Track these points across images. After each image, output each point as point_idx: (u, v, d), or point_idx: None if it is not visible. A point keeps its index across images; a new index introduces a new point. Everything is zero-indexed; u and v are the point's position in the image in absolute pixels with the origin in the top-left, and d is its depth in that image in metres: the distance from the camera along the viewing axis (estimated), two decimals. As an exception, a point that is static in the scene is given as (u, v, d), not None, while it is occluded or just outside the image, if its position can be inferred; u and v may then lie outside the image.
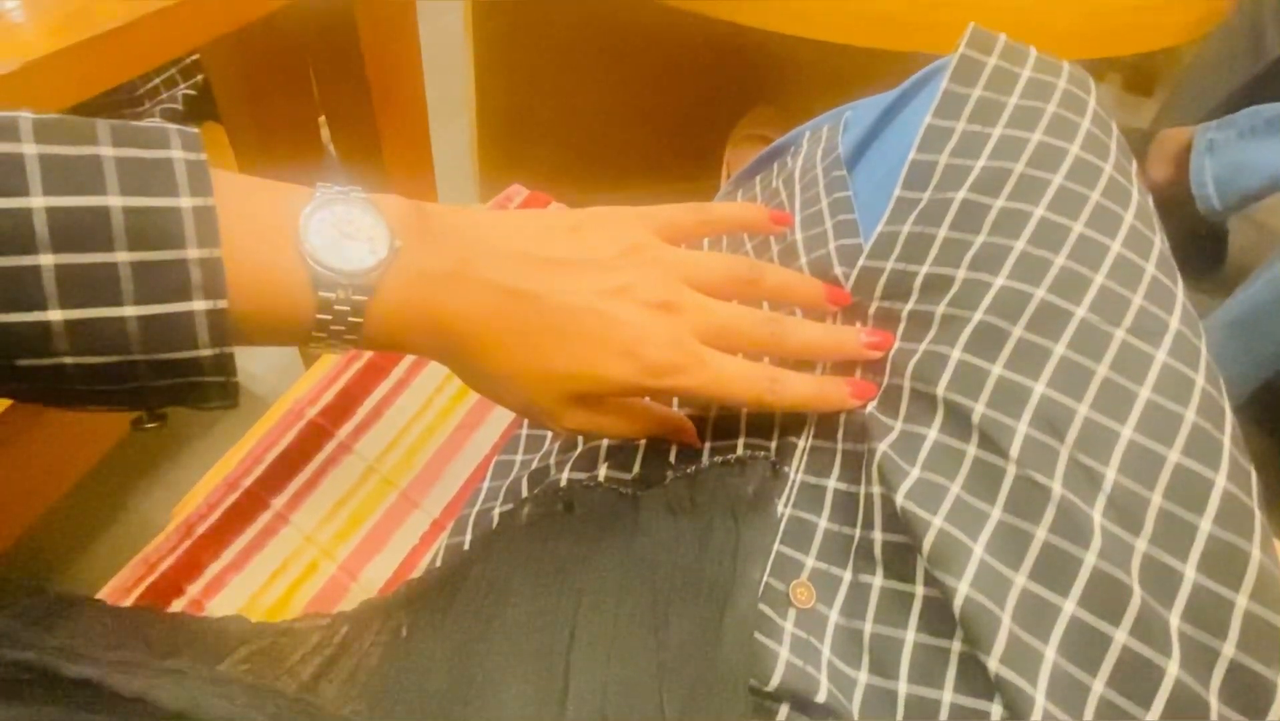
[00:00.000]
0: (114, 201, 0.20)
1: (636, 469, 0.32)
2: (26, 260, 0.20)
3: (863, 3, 0.69)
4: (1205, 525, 0.24)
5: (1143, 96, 1.48)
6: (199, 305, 0.21)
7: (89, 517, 0.75)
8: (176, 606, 0.40)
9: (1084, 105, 0.32)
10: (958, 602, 0.24)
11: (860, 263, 0.32)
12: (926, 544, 0.25)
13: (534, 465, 0.38)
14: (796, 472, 0.30)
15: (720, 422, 0.32)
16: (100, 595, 0.40)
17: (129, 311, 0.21)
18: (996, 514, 0.26)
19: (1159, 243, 0.30)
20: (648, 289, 0.28)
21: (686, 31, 0.76)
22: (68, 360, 0.21)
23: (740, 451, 0.31)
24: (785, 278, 0.32)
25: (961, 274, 0.29)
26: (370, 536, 0.43)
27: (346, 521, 0.43)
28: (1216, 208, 0.88)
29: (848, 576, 0.28)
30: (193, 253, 0.21)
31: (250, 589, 0.40)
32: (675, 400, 0.34)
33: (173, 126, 0.23)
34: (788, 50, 0.73)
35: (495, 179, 1.23)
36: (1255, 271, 0.84)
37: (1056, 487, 0.25)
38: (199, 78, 0.67)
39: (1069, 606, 0.24)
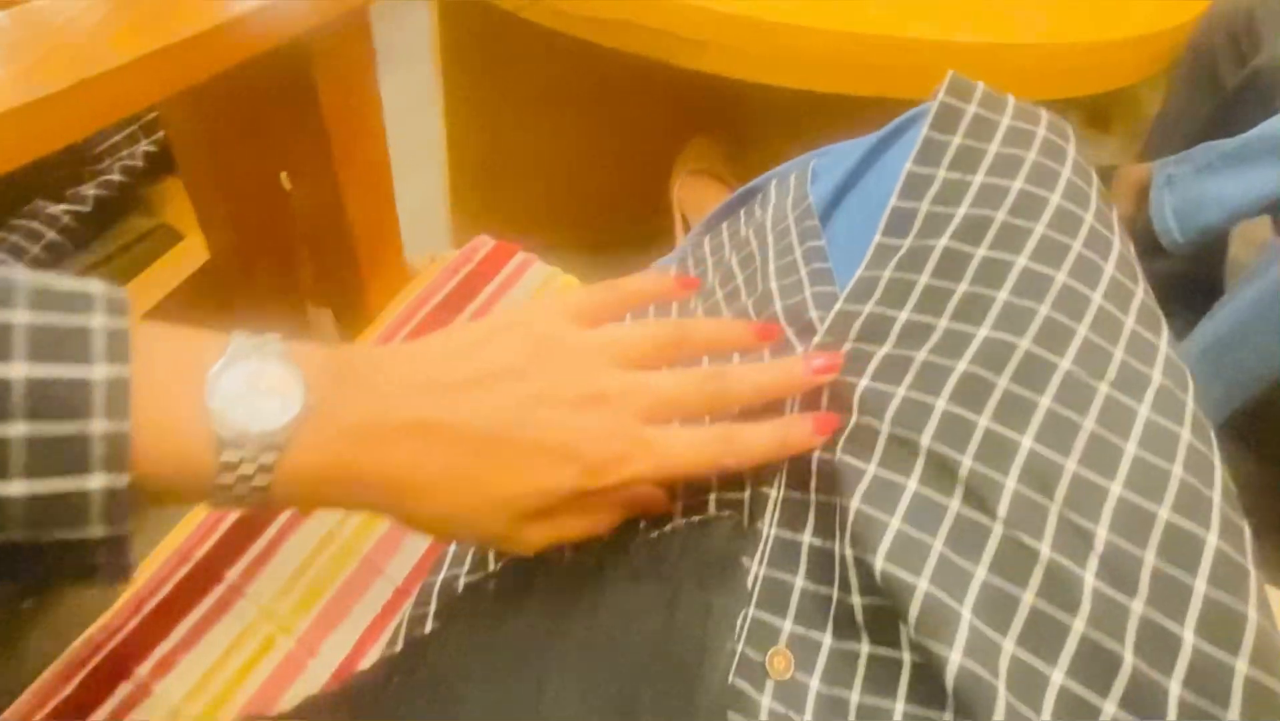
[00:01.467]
0: (16, 371, 0.19)
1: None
2: None
3: (813, 49, 0.70)
4: (1200, 585, 0.23)
5: (1102, 133, 1.52)
6: (96, 482, 0.20)
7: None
8: (123, 690, 0.37)
9: (1064, 153, 0.32)
10: (950, 672, 0.22)
11: (837, 306, 0.31)
12: (912, 609, 0.24)
13: None
14: (770, 526, 0.29)
15: (689, 480, 0.31)
16: (38, 682, 0.37)
17: (15, 488, 0.19)
18: (982, 574, 0.25)
19: (1140, 293, 0.29)
20: (570, 385, 0.26)
21: (651, 74, 0.77)
22: None
23: (711, 510, 0.30)
24: (712, 329, 0.31)
25: (944, 322, 0.29)
26: (330, 607, 0.41)
27: (305, 592, 0.41)
28: (1178, 241, 0.89)
29: (828, 641, 0.26)
30: (97, 426, 0.20)
31: (201, 668, 0.38)
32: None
33: (100, 290, 0.21)
34: (747, 88, 0.74)
35: (468, 227, 1.22)
36: (1219, 302, 0.85)
37: (1045, 550, 0.24)
38: (161, 134, 0.66)
39: (1057, 676, 0.23)
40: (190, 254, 0.62)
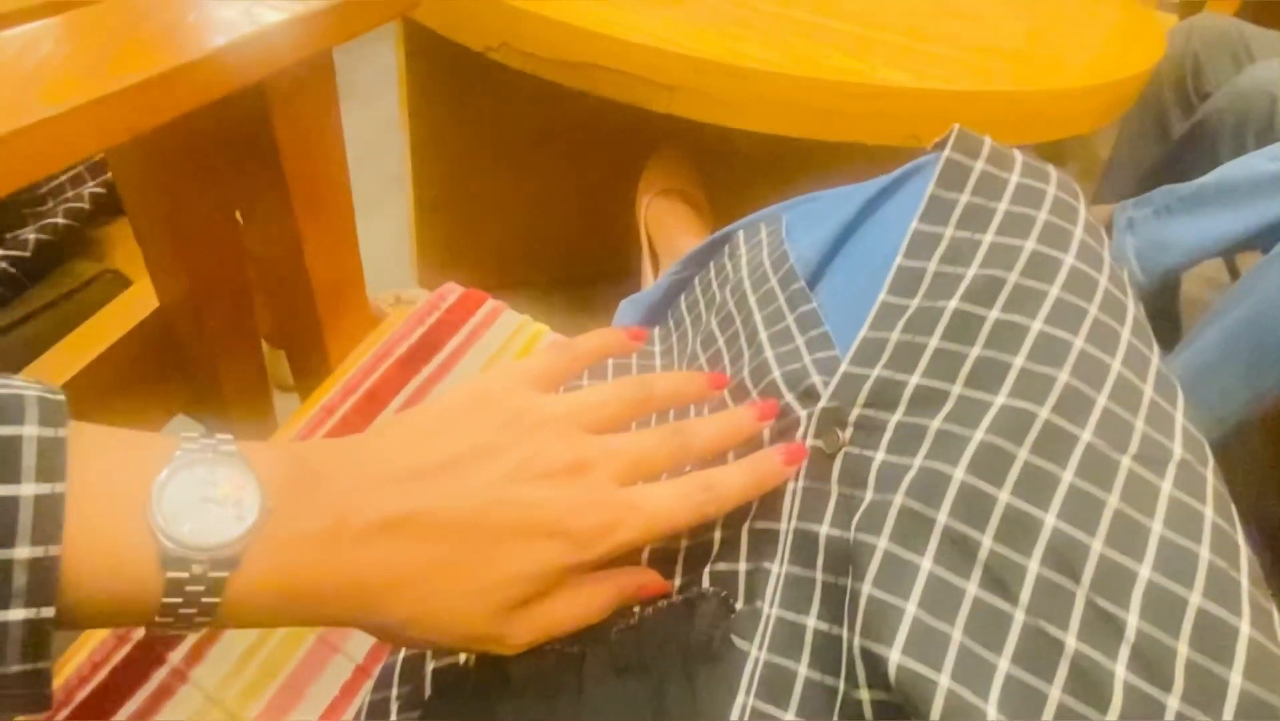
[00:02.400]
0: None
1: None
2: None
3: (785, 94, 0.70)
4: (1236, 679, 0.22)
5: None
6: (15, 615, 0.18)
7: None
8: (46, 793, 0.34)
9: (1075, 212, 0.31)
10: None
11: (842, 369, 0.30)
12: (935, 709, 0.22)
13: None
14: (771, 606, 0.27)
15: (659, 556, 0.29)
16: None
17: None
18: (1005, 665, 0.23)
19: (1154, 359, 0.28)
20: (549, 457, 0.25)
21: (617, 117, 0.76)
22: None
23: (705, 584, 0.28)
24: (672, 383, 0.30)
25: (957, 389, 0.28)
26: (283, 691, 0.38)
27: (256, 674, 0.38)
28: (1141, 282, 0.91)
29: None
30: (22, 552, 0.18)
31: (139, 765, 0.35)
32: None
33: (34, 394, 0.19)
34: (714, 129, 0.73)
35: (433, 263, 1.20)
36: (1180, 344, 0.86)
37: (1070, 641, 0.23)
38: (108, 175, 0.63)
39: None
40: (139, 300, 0.58)
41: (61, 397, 0.20)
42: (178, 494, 0.20)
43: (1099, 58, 0.86)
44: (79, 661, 0.37)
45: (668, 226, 0.94)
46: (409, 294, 0.96)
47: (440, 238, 1.19)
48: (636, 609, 0.28)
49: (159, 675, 0.37)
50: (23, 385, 0.19)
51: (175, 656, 0.38)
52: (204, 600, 0.20)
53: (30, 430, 0.19)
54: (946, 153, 0.34)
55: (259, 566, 0.21)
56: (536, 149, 1.11)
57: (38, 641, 0.18)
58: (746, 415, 0.29)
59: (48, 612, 0.18)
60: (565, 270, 1.23)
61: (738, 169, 0.97)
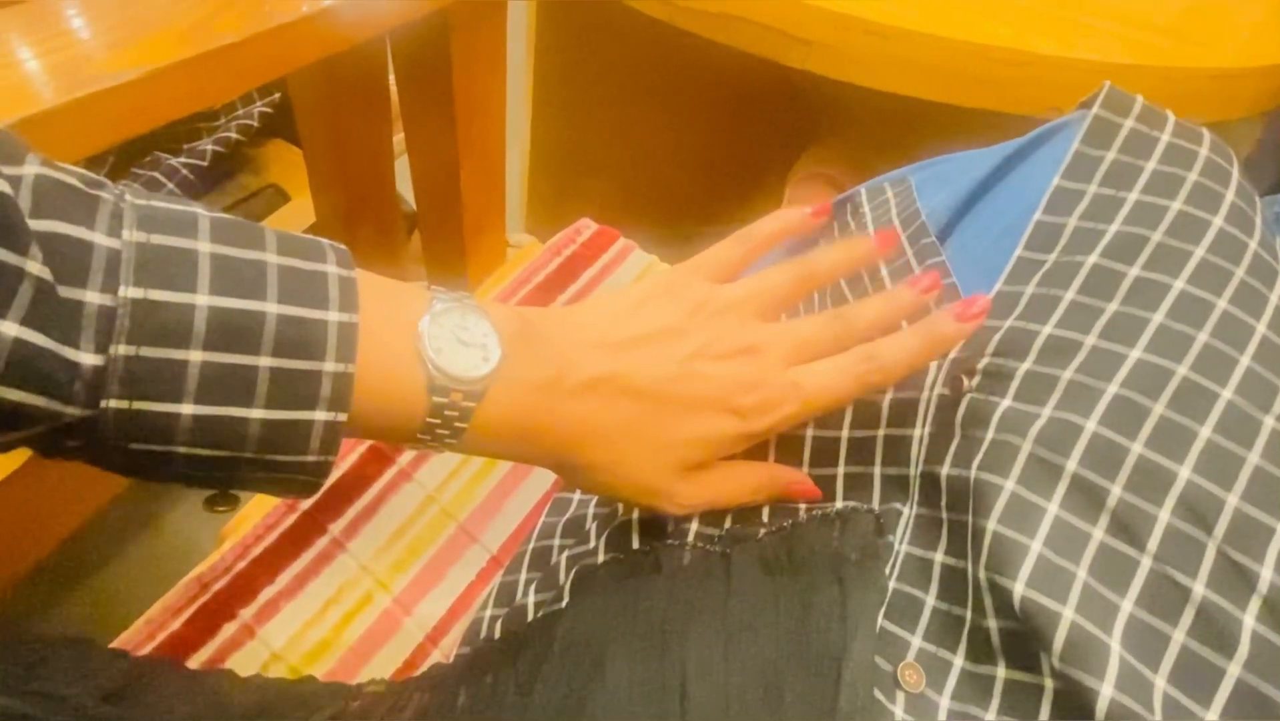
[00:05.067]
0: (271, 308, 0.21)
1: (727, 524, 0.30)
2: (177, 353, 0.20)
3: (925, 56, 0.68)
4: None
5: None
6: (320, 415, 0.21)
7: (126, 525, 0.74)
8: (228, 630, 0.38)
9: (1228, 176, 0.31)
10: (1101, 706, 0.22)
11: None
12: (1057, 639, 0.23)
13: (593, 503, 0.37)
14: (901, 543, 0.28)
15: (815, 479, 0.31)
16: (151, 613, 0.39)
17: (255, 414, 0.21)
18: (1128, 606, 0.24)
19: None
20: (727, 340, 0.28)
21: (742, 70, 0.76)
22: (180, 449, 0.21)
23: (839, 505, 0.30)
24: (833, 257, 0.32)
25: (1091, 340, 0.28)
26: (427, 570, 0.41)
27: (404, 552, 0.42)
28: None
29: (959, 662, 0.26)
30: (329, 366, 0.21)
31: (303, 617, 0.39)
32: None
33: (327, 242, 0.23)
34: (844, 91, 0.73)
35: (542, 211, 1.24)
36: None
37: (1198, 588, 0.23)
38: (275, 96, 0.68)
39: (1211, 718, 0.22)
40: (298, 214, 0.63)
41: (345, 248, 0.23)
42: (439, 334, 0.24)
43: (1262, 37, 0.80)
44: (255, 522, 0.42)
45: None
46: (517, 238, 0.99)
47: (551, 187, 1.22)
48: (789, 520, 0.30)
49: (320, 543, 0.42)
50: (314, 236, 0.23)
51: (335, 527, 0.42)
52: (456, 424, 0.24)
53: (331, 269, 0.22)
54: (1095, 110, 0.34)
55: (497, 401, 0.25)
56: (656, 105, 1.12)
57: (332, 438, 0.22)
58: (906, 292, 0.31)
59: (342, 417, 0.22)
60: (673, 228, 1.25)
61: (891, 165, 0.96)
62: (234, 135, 0.64)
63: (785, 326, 0.30)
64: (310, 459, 0.22)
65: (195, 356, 0.20)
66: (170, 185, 0.60)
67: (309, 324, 0.21)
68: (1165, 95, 0.77)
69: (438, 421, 0.24)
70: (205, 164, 0.63)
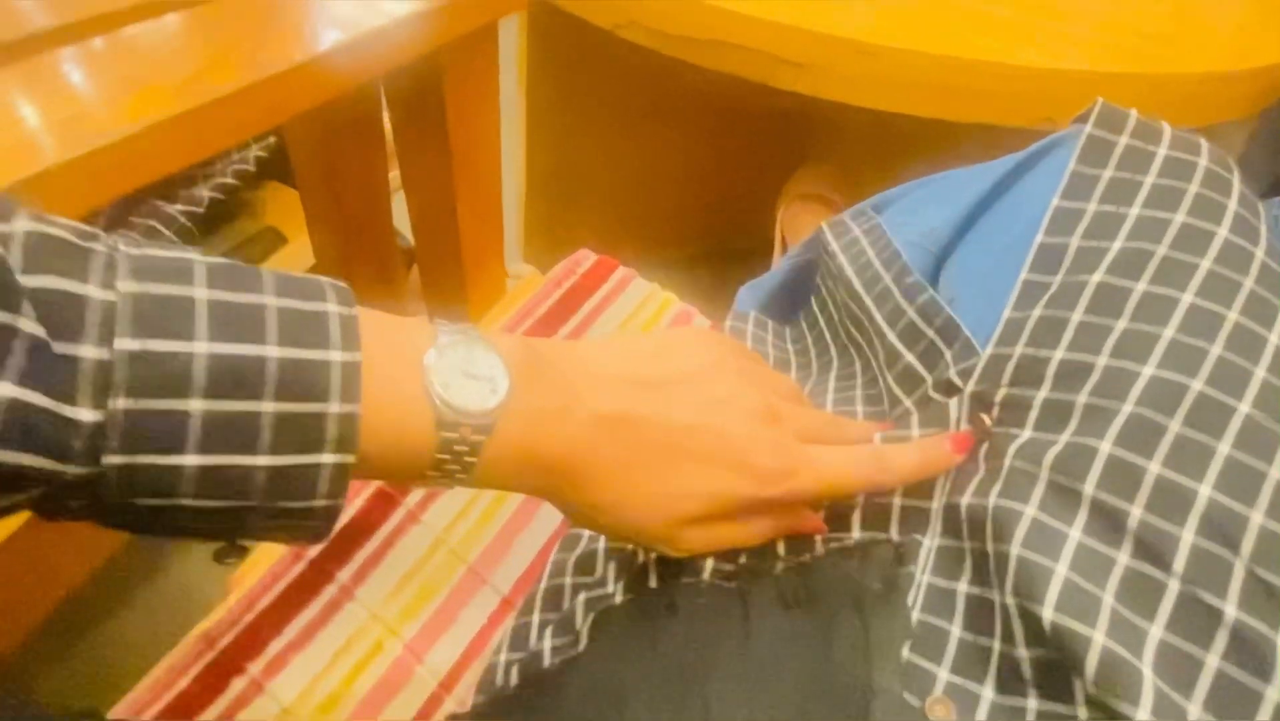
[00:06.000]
0: (272, 351, 0.20)
1: (742, 559, 0.30)
2: (177, 404, 0.19)
3: (916, 73, 0.69)
4: None
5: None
6: (327, 459, 0.21)
7: (131, 575, 0.73)
8: (236, 686, 0.38)
9: (1229, 185, 0.31)
10: None
11: (988, 351, 0.30)
12: (1090, 664, 0.22)
13: (604, 538, 0.36)
14: (923, 574, 0.28)
15: (832, 510, 0.30)
16: (157, 671, 0.38)
17: (261, 461, 0.20)
18: (1158, 632, 0.23)
19: None
20: (749, 398, 0.28)
21: (733, 93, 0.76)
22: (185, 502, 0.20)
23: (858, 537, 0.29)
24: (911, 460, 0.30)
25: (1103, 360, 0.27)
26: (438, 614, 0.41)
27: (414, 597, 0.41)
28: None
29: (989, 694, 0.25)
30: (334, 407, 0.21)
31: (313, 669, 0.38)
32: None
33: (326, 280, 0.23)
34: (836, 111, 0.73)
35: (540, 240, 1.24)
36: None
37: (1230, 610, 0.23)
38: (270, 139, 0.68)
39: None
40: (297, 256, 0.63)
41: (346, 285, 0.23)
42: (445, 368, 0.23)
43: (1250, 40, 0.81)
44: (260, 574, 0.41)
45: (803, 228, 0.95)
46: (515, 268, 0.99)
47: (547, 215, 1.22)
48: (806, 554, 0.29)
49: (328, 591, 0.41)
50: (313, 275, 0.22)
51: (343, 575, 0.41)
52: (466, 459, 0.24)
53: (332, 307, 0.21)
54: (1089, 129, 0.34)
55: (506, 434, 0.24)
56: (649, 130, 1.13)
57: (341, 482, 0.21)
58: (944, 448, 0.29)
59: (350, 459, 0.21)
60: (670, 251, 1.25)
61: (884, 184, 0.97)
62: (230, 181, 0.64)
63: (799, 408, 0.30)
64: (319, 503, 0.21)
65: (196, 406, 0.20)
66: (168, 233, 0.60)
67: (311, 365, 0.21)
68: (1156, 101, 0.78)
69: (447, 457, 0.23)
70: (202, 210, 0.63)
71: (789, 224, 0.97)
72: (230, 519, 0.21)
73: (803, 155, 1.01)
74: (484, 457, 0.24)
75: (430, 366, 0.23)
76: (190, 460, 0.20)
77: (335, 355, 0.21)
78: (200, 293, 0.20)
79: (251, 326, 0.20)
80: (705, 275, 0.95)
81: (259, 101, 0.31)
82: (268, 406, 0.20)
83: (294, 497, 0.21)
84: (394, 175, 0.59)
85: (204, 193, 0.63)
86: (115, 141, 0.27)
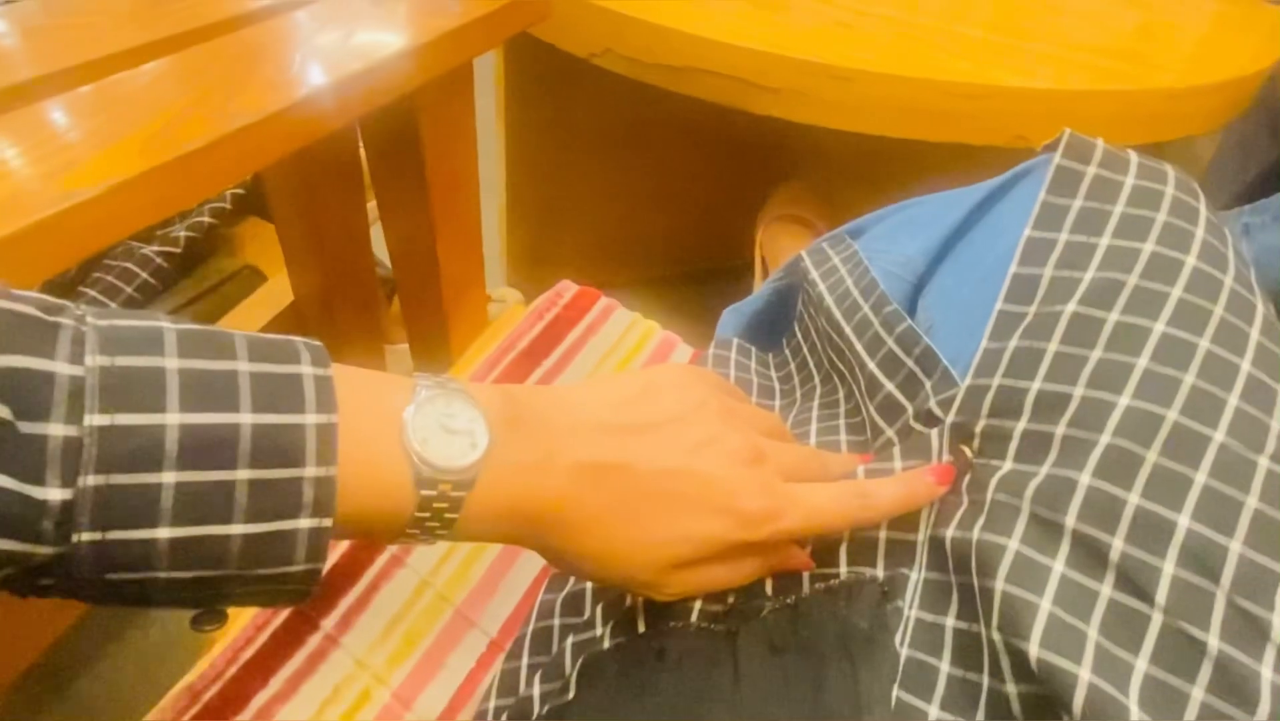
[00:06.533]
0: (245, 419, 0.20)
1: (730, 599, 0.30)
2: (149, 477, 0.19)
3: (889, 96, 0.70)
4: None
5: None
6: (304, 523, 0.21)
7: (112, 624, 0.72)
8: (221, 742, 0.37)
9: (1195, 213, 0.31)
10: None
11: (966, 382, 0.30)
12: (1077, 702, 0.22)
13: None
14: (911, 608, 0.28)
15: (818, 544, 0.30)
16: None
17: (236, 530, 0.20)
18: (1143, 666, 0.23)
19: None
20: (732, 440, 0.28)
21: (709, 117, 0.77)
22: (160, 575, 0.20)
23: (844, 574, 0.29)
24: (893, 493, 0.30)
25: (1080, 391, 0.28)
26: (425, 660, 0.40)
27: (400, 643, 0.40)
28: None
29: None
30: (310, 471, 0.21)
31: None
32: None
33: (300, 340, 0.23)
34: (811, 133, 0.74)
35: (522, 264, 1.24)
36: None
37: (1213, 641, 0.23)
38: (247, 177, 0.68)
39: None
40: (276, 294, 0.63)
41: (320, 344, 0.22)
42: (423, 424, 0.23)
43: (1214, 55, 0.82)
44: (243, 624, 0.40)
45: (782, 250, 0.95)
46: (499, 292, 0.99)
47: (529, 240, 1.22)
48: (770, 590, 0.29)
49: (313, 640, 0.40)
50: (286, 336, 0.22)
51: (327, 623, 0.41)
52: (446, 515, 0.23)
53: (306, 369, 0.21)
54: (1057, 159, 0.34)
55: (488, 488, 0.24)
56: (628, 153, 1.13)
57: (318, 545, 0.21)
58: (926, 482, 0.29)
59: (327, 522, 0.21)
60: (650, 273, 1.25)
61: (859, 203, 0.98)
62: (206, 219, 0.64)
63: (782, 446, 0.29)
64: (297, 568, 0.21)
65: (169, 478, 0.19)
66: (145, 274, 0.60)
67: (286, 430, 0.20)
68: (1126, 118, 0.79)
69: (427, 515, 0.23)
70: (179, 250, 0.62)
71: (768, 244, 0.97)
72: (207, 588, 0.21)
73: (780, 176, 1.02)
74: (465, 513, 0.24)
75: (409, 422, 0.23)
76: (163, 533, 0.19)
77: (310, 418, 0.21)
78: (171, 362, 0.20)
79: (224, 394, 0.20)
80: (687, 295, 0.95)
81: (229, 155, 0.31)
82: (242, 474, 0.20)
83: (271, 564, 0.21)
84: (372, 206, 0.58)
85: (180, 233, 0.63)
86: (73, 206, 0.26)
